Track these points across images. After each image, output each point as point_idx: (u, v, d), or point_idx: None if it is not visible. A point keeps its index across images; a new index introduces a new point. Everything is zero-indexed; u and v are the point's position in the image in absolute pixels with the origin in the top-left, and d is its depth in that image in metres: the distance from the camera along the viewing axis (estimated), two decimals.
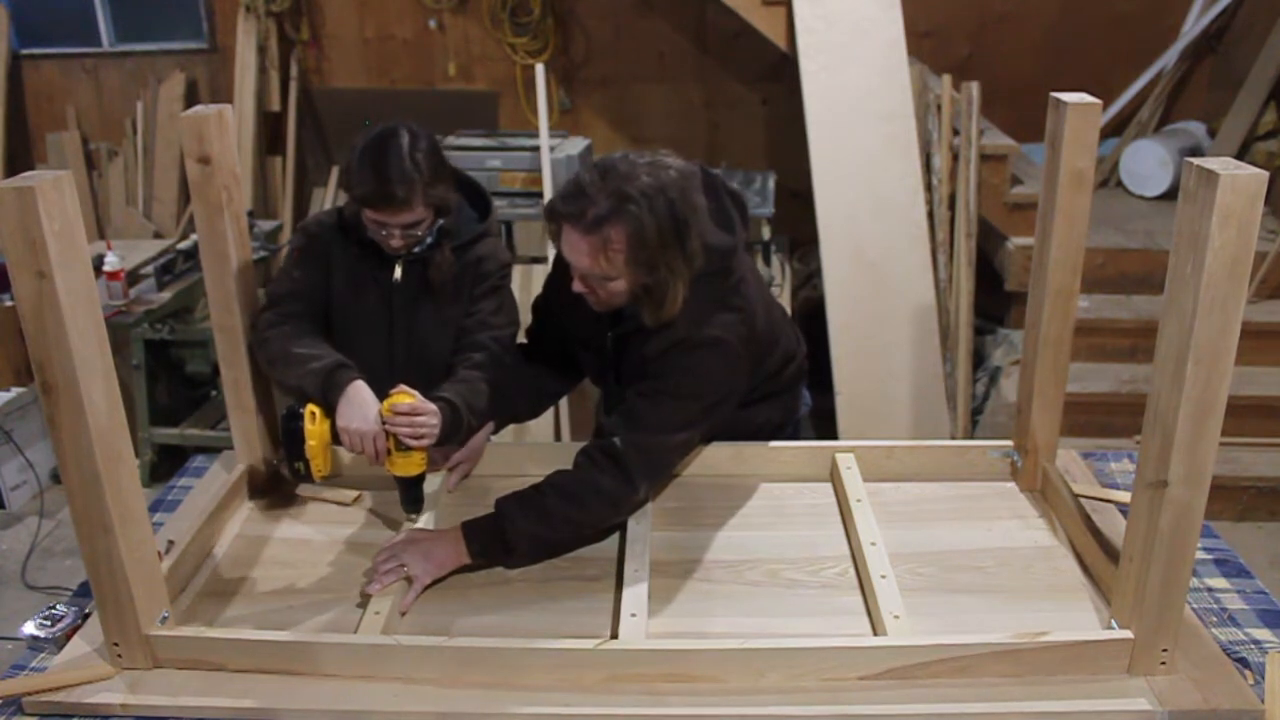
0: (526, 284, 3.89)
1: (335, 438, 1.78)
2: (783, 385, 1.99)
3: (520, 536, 1.68)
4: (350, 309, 1.98)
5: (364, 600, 1.62)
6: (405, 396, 1.75)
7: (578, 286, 1.67)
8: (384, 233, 1.86)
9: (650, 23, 5.20)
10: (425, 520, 1.82)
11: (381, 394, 1.78)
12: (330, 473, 1.80)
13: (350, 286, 1.97)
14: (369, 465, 1.79)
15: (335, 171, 5.34)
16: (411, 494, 1.81)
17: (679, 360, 1.70)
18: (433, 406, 1.76)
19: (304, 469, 1.76)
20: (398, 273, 1.95)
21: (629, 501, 1.73)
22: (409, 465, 1.78)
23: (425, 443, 1.75)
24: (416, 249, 1.93)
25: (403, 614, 1.61)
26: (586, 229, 1.57)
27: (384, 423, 1.73)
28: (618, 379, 1.84)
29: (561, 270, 1.83)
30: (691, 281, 1.66)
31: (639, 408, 1.71)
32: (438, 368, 1.97)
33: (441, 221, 1.92)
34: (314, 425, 1.75)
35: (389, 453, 1.75)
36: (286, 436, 1.76)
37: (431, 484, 1.90)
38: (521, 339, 2.08)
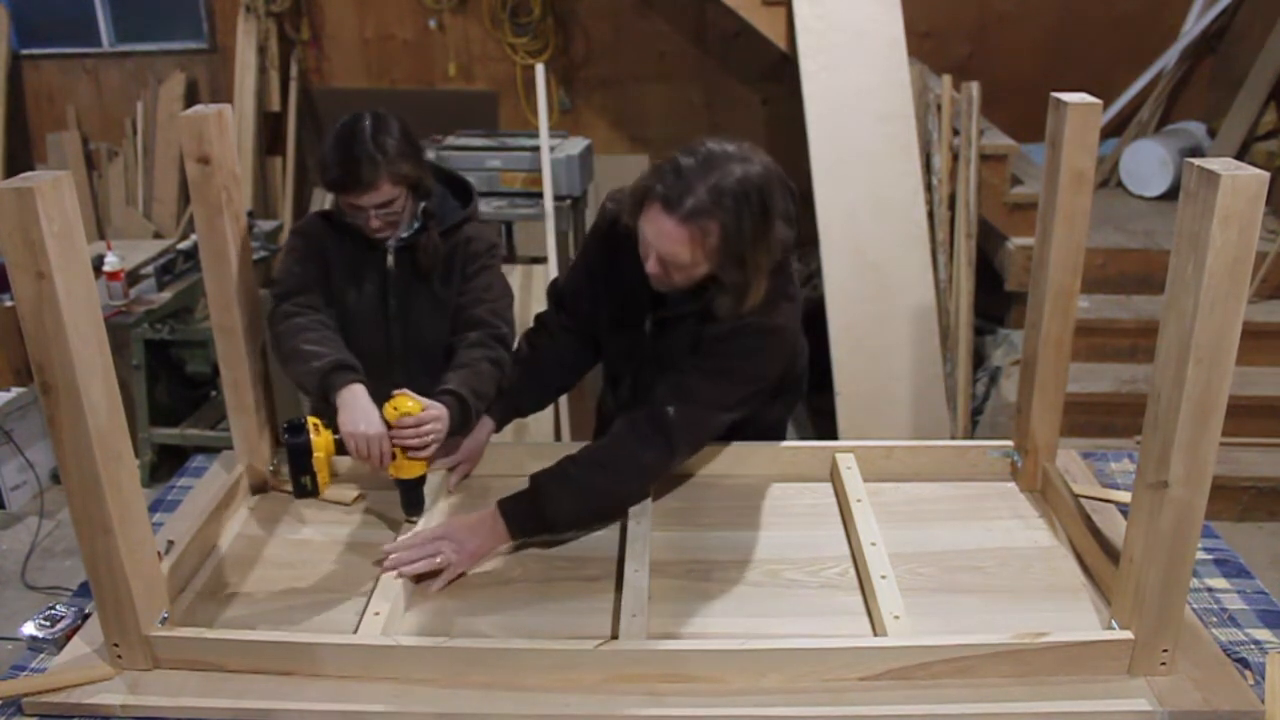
0: (527, 284, 3.89)
1: (338, 447, 1.77)
2: (793, 380, 2.01)
3: (560, 513, 1.72)
4: (349, 301, 2.01)
5: (373, 585, 1.61)
6: (406, 400, 1.74)
7: (653, 267, 1.66)
8: (361, 218, 1.89)
9: (650, 23, 5.21)
10: (425, 521, 1.82)
11: (382, 385, 1.78)
12: (327, 484, 1.79)
13: (349, 280, 2.00)
14: (369, 469, 1.78)
15: None
16: (412, 496, 1.81)
17: (744, 344, 1.74)
18: (437, 410, 1.75)
19: (310, 484, 1.75)
20: (390, 261, 1.99)
21: (665, 471, 1.80)
22: (412, 468, 1.78)
23: (432, 450, 1.76)
24: (405, 235, 1.97)
25: (435, 589, 1.64)
26: (684, 218, 1.56)
27: (390, 432, 1.73)
28: (655, 361, 1.85)
29: (601, 249, 1.87)
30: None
31: (697, 383, 1.74)
32: (436, 352, 1.99)
33: (424, 205, 1.97)
34: (319, 436, 1.74)
35: (393, 456, 1.75)
36: (293, 451, 1.72)
37: (431, 484, 1.90)
38: (525, 329, 2.08)
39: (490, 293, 2.01)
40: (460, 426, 1.81)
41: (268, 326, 1.93)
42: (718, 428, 1.81)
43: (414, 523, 1.81)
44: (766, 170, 1.62)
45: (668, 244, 1.60)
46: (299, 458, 1.73)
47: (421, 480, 1.81)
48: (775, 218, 1.63)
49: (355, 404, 1.75)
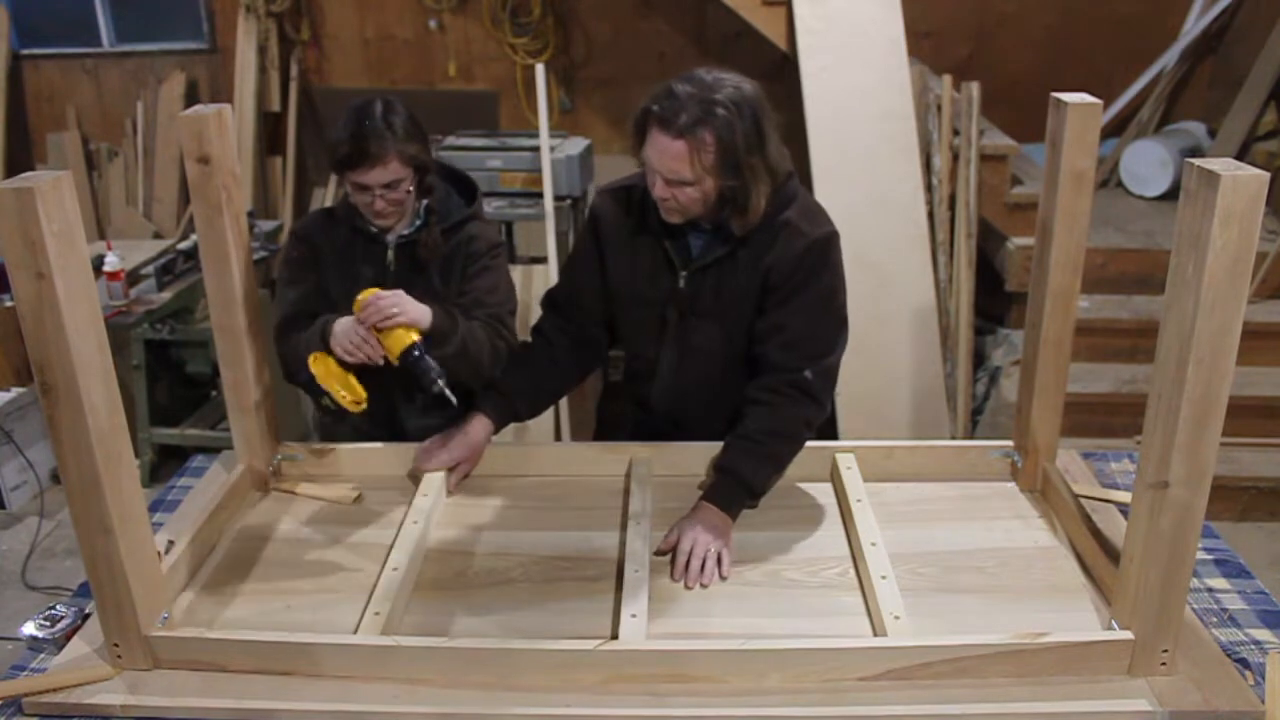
0: (527, 284, 3.89)
1: (346, 367, 1.86)
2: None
3: (760, 480, 1.86)
4: (345, 297, 2.00)
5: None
6: (368, 292, 1.83)
7: (661, 191, 1.75)
8: (367, 199, 1.92)
9: (650, 23, 5.20)
10: (423, 523, 1.81)
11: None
12: (357, 398, 1.85)
13: (346, 276, 2.01)
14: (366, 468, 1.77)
15: None
16: (419, 368, 1.82)
17: (818, 263, 1.82)
18: (390, 292, 1.82)
19: (332, 402, 1.86)
20: (390, 257, 2.01)
21: (821, 421, 1.90)
22: (399, 339, 1.81)
23: (400, 319, 1.80)
24: (406, 232, 2.00)
25: (723, 578, 1.70)
26: (679, 132, 1.67)
27: (358, 317, 1.82)
28: (695, 315, 1.90)
29: (599, 240, 1.94)
30: (784, 184, 1.80)
31: (806, 333, 1.83)
32: None
33: (427, 201, 2.00)
34: (317, 364, 1.86)
35: (378, 338, 1.81)
36: (304, 387, 1.92)
37: (433, 484, 1.90)
38: (524, 337, 2.08)
39: (493, 295, 2.01)
40: (443, 328, 1.85)
41: (275, 348, 1.98)
42: (841, 354, 1.91)
43: (441, 389, 1.81)
44: (758, 91, 1.73)
45: (669, 161, 1.69)
46: (310, 389, 1.90)
47: (416, 348, 1.82)
48: (769, 130, 1.72)
49: (338, 324, 1.85)
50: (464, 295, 2.01)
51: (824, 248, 1.82)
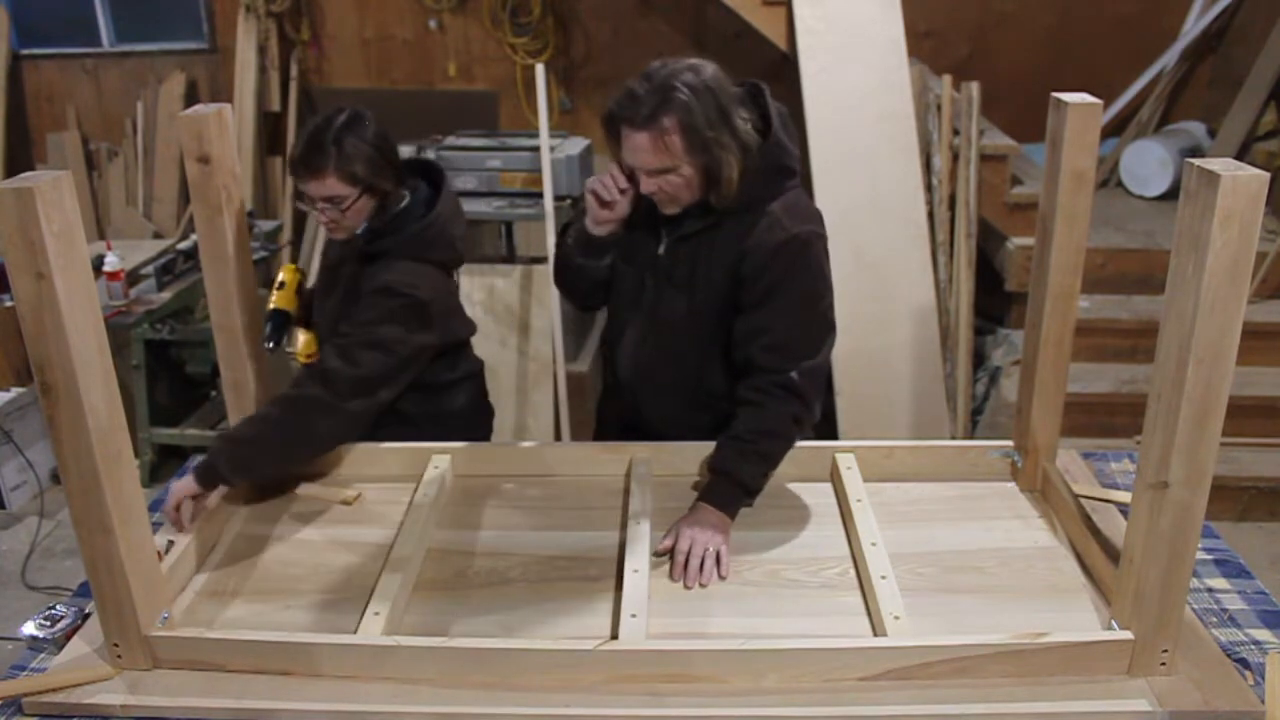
0: (527, 284, 3.89)
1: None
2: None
3: (757, 480, 1.87)
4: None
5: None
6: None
7: (647, 186, 1.78)
8: (312, 207, 1.93)
9: (650, 23, 5.20)
10: (423, 523, 1.81)
11: None
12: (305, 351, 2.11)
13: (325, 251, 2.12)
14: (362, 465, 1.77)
15: None
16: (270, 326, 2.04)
17: (795, 261, 1.81)
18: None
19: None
20: (338, 253, 2.08)
21: (814, 421, 1.90)
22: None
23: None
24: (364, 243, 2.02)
25: (722, 578, 1.70)
26: (643, 124, 1.71)
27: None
28: (670, 281, 1.90)
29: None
30: (784, 179, 1.85)
31: (790, 335, 1.83)
32: None
33: (367, 223, 1.96)
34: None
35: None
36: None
37: (437, 478, 1.90)
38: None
39: (353, 325, 1.90)
40: (214, 466, 1.79)
41: None
42: (827, 356, 1.90)
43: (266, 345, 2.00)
44: (717, 71, 1.76)
45: (640, 155, 1.74)
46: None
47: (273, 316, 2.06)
48: (730, 106, 1.73)
49: None
50: (339, 324, 1.96)
51: (802, 246, 1.81)
